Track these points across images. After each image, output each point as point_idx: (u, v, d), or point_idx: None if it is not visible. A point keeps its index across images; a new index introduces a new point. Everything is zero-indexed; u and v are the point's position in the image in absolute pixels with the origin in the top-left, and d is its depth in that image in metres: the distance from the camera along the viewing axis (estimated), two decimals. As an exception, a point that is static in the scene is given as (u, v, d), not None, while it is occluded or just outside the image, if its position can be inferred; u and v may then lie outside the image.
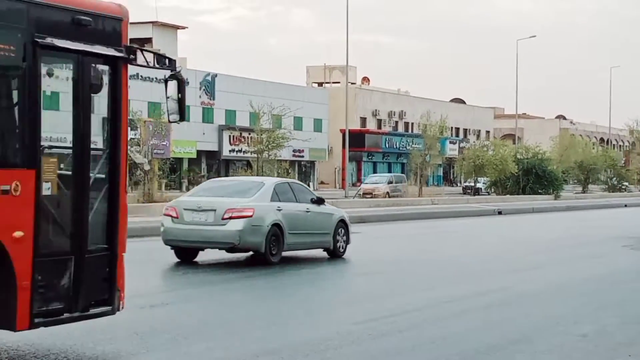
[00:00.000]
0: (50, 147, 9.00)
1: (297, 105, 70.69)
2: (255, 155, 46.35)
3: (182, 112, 10.75)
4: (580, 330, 11.32)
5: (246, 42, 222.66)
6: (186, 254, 18.49)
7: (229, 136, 76.95)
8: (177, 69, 10.85)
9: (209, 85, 76.11)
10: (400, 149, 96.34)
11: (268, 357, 9.58)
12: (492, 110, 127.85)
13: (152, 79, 71.59)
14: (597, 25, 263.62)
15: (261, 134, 46.30)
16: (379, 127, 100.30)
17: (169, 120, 10.80)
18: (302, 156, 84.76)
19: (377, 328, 11.27)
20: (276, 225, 18.13)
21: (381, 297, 14.24)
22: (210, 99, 76.40)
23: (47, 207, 8.74)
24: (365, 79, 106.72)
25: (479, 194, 69.06)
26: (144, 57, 10.02)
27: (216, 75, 76.57)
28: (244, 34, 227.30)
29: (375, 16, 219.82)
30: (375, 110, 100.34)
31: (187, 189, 72.10)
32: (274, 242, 18.08)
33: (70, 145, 9.11)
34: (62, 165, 9.15)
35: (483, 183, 72.04)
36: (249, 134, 61.59)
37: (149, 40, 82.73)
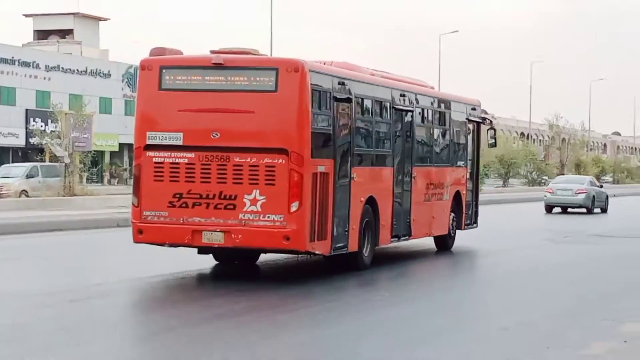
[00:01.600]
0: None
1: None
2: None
3: (496, 143, 24.61)
4: (502, 323, 11.46)
5: (169, 34, 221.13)
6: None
7: (152, 129, 76.27)
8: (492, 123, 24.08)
9: (131, 78, 75.39)
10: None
11: (191, 351, 9.52)
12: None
13: (74, 70, 70.84)
14: (518, 21, 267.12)
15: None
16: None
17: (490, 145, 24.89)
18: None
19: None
20: (594, 197, 40.32)
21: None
22: (133, 92, 75.69)
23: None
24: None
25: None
26: (487, 118, 23.43)
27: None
28: (167, 25, 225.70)
29: (302, 10, 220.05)
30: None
31: (109, 183, 71.49)
32: (593, 204, 40.18)
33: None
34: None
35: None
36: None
37: (70, 32, 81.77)
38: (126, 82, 75.32)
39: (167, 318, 11.45)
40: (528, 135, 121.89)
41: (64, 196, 35.68)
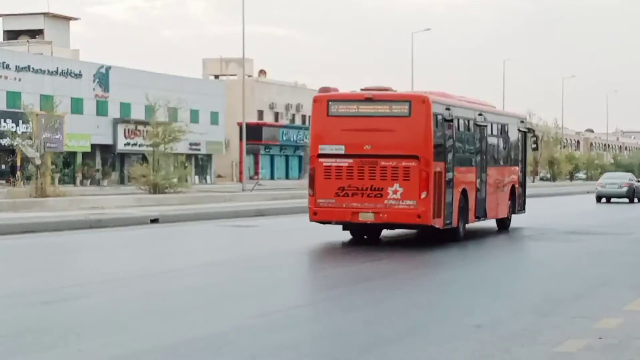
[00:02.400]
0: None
1: (193, 98, 70.34)
2: (151, 148, 45.94)
3: (537, 148, 33.44)
4: (475, 321, 11.45)
5: (141, 34, 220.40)
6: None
7: (124, 129, 76.04)
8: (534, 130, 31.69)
9: (102, 78, 75.06)
10: (298, 141, 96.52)
11: (163, 352, 9.47)
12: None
13: (44, 71, 70.35)
14: (490, 19, 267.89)
15: (157, 127, 45.90)
16: (276, 120, 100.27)
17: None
18: (199, 149, 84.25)
19: (274, 322, 11.23)
20: (634, 190, 49.88)
21: (279, 289, 14.22)
22: (104, 92, 75.37)
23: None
24: (262, 72, 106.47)
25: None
26: (531, 128, 31.09)
27: (110, 68, 75.55)
28: (139, 26, 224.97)
29: (272, 8, 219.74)
30: (273, 103, 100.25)
31: (82, 184, 71.15)
32: (633, 195, 50.06)
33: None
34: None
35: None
36: (145, 127, 60.99)
37: (40, 32, 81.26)
38: (97, 82, 74.91)
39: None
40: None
41: (36, 197, 35.43)
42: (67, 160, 71.36)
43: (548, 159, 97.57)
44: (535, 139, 31.65)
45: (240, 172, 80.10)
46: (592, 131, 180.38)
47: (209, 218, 31.46)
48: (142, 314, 11.90)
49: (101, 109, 75.25)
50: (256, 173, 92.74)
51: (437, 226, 21.54)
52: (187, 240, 25.11)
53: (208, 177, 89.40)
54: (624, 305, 12.84)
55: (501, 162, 27.60)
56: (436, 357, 9.48)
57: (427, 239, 22.68)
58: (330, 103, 22.04)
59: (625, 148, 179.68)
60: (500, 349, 9.88)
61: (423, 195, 20.96)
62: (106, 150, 76.68)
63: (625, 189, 49.24)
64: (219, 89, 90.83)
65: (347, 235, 22.90)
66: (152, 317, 11.58)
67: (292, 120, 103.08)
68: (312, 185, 21.84)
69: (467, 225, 23.91)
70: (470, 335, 10.63)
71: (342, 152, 21.64)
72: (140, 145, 66.54)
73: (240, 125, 75.98)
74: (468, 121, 24.42)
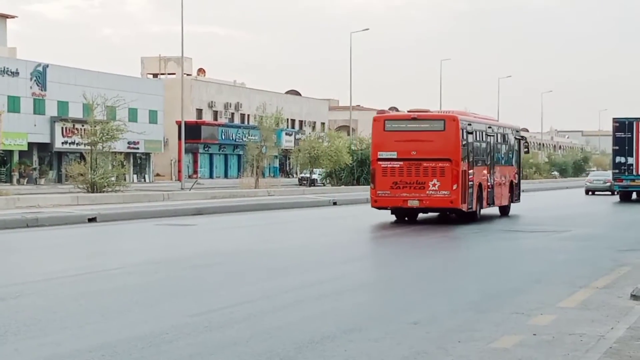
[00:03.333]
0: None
1: (132, 97, 69.88)
2: (89, 147, 45.57)
3: (529, 151, 44.99)
4: (412, 318, 11.57)
5: (80, 32, 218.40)
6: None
7: (62, 128, 75.34)
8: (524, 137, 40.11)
9: (40, 76, 74.29)
10: (237, 140, 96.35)
11: (102, 351, 9.45)
12: (327, 102, 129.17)
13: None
14: (428, 19, 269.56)
15: (95, 126, 45.54)
16: (215, 118, 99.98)
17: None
18: (138, 148, 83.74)
19: (213, 320, 11.26)
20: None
21: (218, 288, 14.24)
22: (41, 90, 74.60)
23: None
24: (201, 71, 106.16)
25: (314, 185, 69.66)
26: (524, 137, 40.16)
27: (47, 66, 74.80)
28: (78, 24, 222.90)
29: (211, 8, 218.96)
30: (211, 101, 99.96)
31: (18, 182, 70.35)
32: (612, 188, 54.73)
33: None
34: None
35: (318, 174, 72.66)
36: (83, 125, 60.46)
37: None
38: (35, 80, 74.15)
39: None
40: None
41: (-29, 196, 34.97)
42: (4, 159, 70.69)
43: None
44: (526, 144, 40.53)
45: (179, 171, 79.79)
46: (527, 130, 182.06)
47: (147, 217, 31.32)
48: (81, 313, 11.85)
49: (38, 107, 74.48)
50: (195, 172, 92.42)
51: (463, 209, 29.80)
52: (125, 239, 24.98)
53: (147, 176, 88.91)
54: (558, 302, 13.07)
55: (503, 163, 35.71)
56: (374, 354, 9.58)
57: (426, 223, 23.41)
58: (386, 122, 30.61)
59: (560, 147, 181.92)
60: (436, 345, 10.01)
61: (454, 187, 29.21)
62: (43, 148, 75.92)
63: (608, 184, 58.18)
64: (157, 87, 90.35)
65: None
66: (90, 316, 11.54)
67: (231, 119, 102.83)
68: (373, 180, 30.32)
69: (484, 210, 32.45)
70: (408, 332, 10.75)
71: (395, 156, 29.82)
72: (78, 144, 65.96)
73: (179, 124, 75.68)
74: (481, 132, 32.75)
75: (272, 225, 30.11)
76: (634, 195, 51.32)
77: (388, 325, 11.12)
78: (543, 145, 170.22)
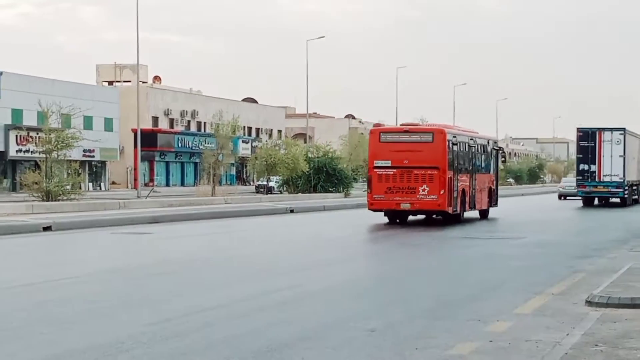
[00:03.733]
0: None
1: (87, 105, 69.35)
2: (44, 155, 45.21)
3: (505, 161, 54.69)
4: (369, 325, 11.59)
5: (34, 40, 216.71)
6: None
7: (16, 136, 74.66)
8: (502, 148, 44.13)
9: (-4, 84, 73.54)
10: (193, 148, 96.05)
11: (57, 362, 9.37)
12: (283, 110, 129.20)
13: None
14: (383, 27, 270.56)
15: (50, 134, 45.20)
16: (171, 126, 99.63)
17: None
18: (93, 156, 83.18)
19: (170, 329, 11.20)
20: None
21: (174, 297, 14.17)
22: (-3, 98, 73.85)
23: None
24: (157, 78, 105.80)
25: (271, 193, 69.58)
26: (501, 147, 43.68)
27: (1, 73, 74.12)
28: (31, 31, 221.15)
29: (166, 15, 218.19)
30: (168, 109, 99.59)
31: (-28, 191, 69.58)
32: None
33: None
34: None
35: (275, 182, 72.59)
36: (37, 133, 59.98)
37: None
38: (-8, 87, 73.35)
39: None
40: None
41: None
42: (-44, 168, 69.90)
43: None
44: (503, 154, 44.43)
45: (135, 179, 79.34)
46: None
47: (103, 225, 31.12)
48: (35, 323, 11.73)
49: (-4, 114, 73.75)
50: (151, 180, 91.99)
51: (449, 212, 33.54)
52: (81, 248, 24.79)
53: (102, 184, 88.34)
54: (514, 309, 13.14)
55: (483, 171, 39.25)
56: (331, 362, 9.58)
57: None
58: (381, 134, 34.42)
59: (515, 154, 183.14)
60: (394, 352, 10.03)
61: (441, 192, 32.81)
62: (-3, 157, 75.17)
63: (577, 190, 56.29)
64: (112, 95, 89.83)
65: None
66: (44, 327, 11.43)
67: (188, 126, 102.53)
68: (370, 186, 33.83)
69: (466, 213, 35.85)
70: (365, 339, 10.76)
71: (389, 165, 33.33)
72: (32, 152, 65.37)
73: (135, 131, 75.34)
74: (465, 144, 36.29)
75: (228, 234, 30.03)
76: (596, 201, 53.95)
77: (345, 333, 11.11)
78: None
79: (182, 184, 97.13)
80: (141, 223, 32.63)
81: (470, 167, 36.76)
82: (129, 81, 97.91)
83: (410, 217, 35.14)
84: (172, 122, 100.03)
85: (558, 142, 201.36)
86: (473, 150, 37.49)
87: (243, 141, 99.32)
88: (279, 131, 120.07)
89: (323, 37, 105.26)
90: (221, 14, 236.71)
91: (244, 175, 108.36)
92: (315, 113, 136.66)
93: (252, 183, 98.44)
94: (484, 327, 11.58)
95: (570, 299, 14.16)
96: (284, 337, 10.83)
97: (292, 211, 43.92)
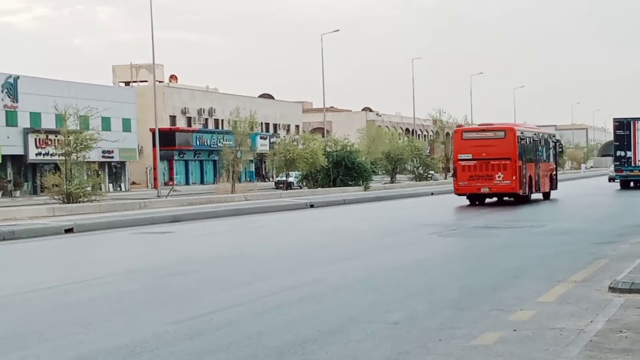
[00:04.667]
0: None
1: (104, 106, 69.70)
2: (63, 157, 45.41)
3: (563, 152, 73.56)
4: (392, 318, 11.60)
5: (50, 43, 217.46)
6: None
7: (35, 139, 75.00)
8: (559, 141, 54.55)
9: (11, 88, 73.91)
10: (212, 146, 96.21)
11: (83, 363, 9.43)
12: (300, 105, 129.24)
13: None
14: (399, 18, 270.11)
15: (68, 136, 45.39)
16: (189, 125, 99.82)
17: None
18: (112, 157, 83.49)
19: (193, 327, 11.24)
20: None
21: (197, 295, 14.22)
22: (13, 102, 74.22)
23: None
24: (173, 77, 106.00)
25: (291, 188, 69.70)
26: (559, 140, 54.19)
27: (18, 77, 74.44)
28: (48, 34, 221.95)
29: (181, 14, 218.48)
30: (185, 108, 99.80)
31: (-7, 195, 69.95)
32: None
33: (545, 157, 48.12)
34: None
35: (295, 177, 72.69)
36: (56, 136, 60.24)
37: (-55, 43, 79.67)
38: (6, 92, 73.77)
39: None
40: (413, 131, 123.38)
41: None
42: (-23, 172, 70.26)
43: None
44: (561, 146, 53.32)
45: (155, 179, 79.55)
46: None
47: (125, 226, 31.24)
48: (60, 325, 11.80)
49: (11, 119, 74.10)
50: (171, 179, 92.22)
51: (520, 194, 41.19)
52: (103, 249, 24.90)
53: (122, 185, 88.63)
54: (537, 297, 13.12)
55: (544, 160, 46.71)
56: (356, 355, 9.59)
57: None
58: (463, 133, 42.70)
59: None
60: (417, 344, 10.04)
61: (514, 178, 40.54)
62: (17, 160, 75.55)
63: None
64: (129, 95, 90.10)
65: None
66: (70, 328, 11.49)
67: (205, 124, 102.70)
68: (455, 175, 41.97)
69: (533, 195, 43.93)
70: (388, 332, 10.77)
71: (470, 157, 41.10)
72: (52, 155, 65.63)
73: (152, 131, 75.49)
74: (530, 138, 44.25)
75: (249, 230, 30.08)
76: (632, 184, 59.99)
77: (369, 326, 11.13)
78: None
79: (202, 182, 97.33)
80: (162, 222, 32.74)
81: (535, 157, 44.46)
82: (146, 81, 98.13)
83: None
84: (189, 121, 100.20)
85: (577, 129, 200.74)
86: (537, 143, 45.24)
87: (261, 137, 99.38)
88: (297, 126, 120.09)
89: (337, 30, 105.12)
90: (235, 11, 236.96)
91: (263, 172, 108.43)
92: (333, 107, 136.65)
93: (271, 179, 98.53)
94: (508, 317, 11.58)
95: (594, 285, 14.13)
96: (308, 332, 10.86)
97: (312, 206, 43.96)
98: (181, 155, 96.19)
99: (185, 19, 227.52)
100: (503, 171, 40.29)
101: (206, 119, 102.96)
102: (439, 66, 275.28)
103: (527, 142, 43.32)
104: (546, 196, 46.15)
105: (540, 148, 45.78)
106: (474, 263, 18.45)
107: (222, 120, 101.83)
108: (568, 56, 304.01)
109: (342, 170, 66.41)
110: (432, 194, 58.44)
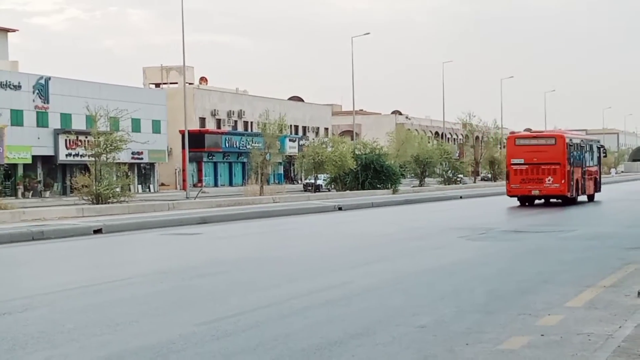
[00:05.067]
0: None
1: (134, 107, 69.99)
2: (93, 158, 45.64)
3: (606, 156, 67.07)
4: (419, 322, 11.57)
5: (81, 44, 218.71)
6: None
7: (65, 140, 75.47)
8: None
9: (42, 89, 74.43)
10: (241, 148, 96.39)
11: (110, 363, 9.46)
12: (329, 108, 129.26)
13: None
14: (429, 22, 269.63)
15: (98, 137, 45.62)
16: (219, 126, 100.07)
17: None
18: (142, 158, 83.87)
19: (220, 328, 11.26)
20: None
21: (225, 296, 14.24)
22: (44, 103, 74.73)
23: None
24: (203, 79, 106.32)
25: (319, 191, 69.69)
26: (602, 145, 56.08)
27: (49, 79, 74.93)
28: (79, 36, 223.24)
29: (212, 16, 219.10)
30: (214, 110, 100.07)
31: (23, 196, 70.49)
32: None
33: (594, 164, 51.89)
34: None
35: (323, 180, 72.69)
36: (86, 137, 60.58)
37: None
38: (37, 93, 74.31)
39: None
40: (442, 134, 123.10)
41: (-23, 211, 35.02)
42: (8, 173, 70.78)
43: (488, 159, 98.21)
44: (604, 151, 55.12)
45: (184, 180, 79.84)
46: (530, 130, 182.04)
47: (153, 227, 31.35)
48: (87, 325, 11.84)
49: (41, 120, 74.60)
50: (199, 180, 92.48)
51: (568, 196, 44.52)
52: (131, 249, 24.99)
53: (151, 186, 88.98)
54: (565, 302, 13.06)
55: (590, 165, 49.61)
56: (382, 359, 9.57)
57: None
58: (516, 139, 46.15)
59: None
60: (444, 348, 10.01)
61: (562, 181, 43.94)
62: (47, 161, 76.02)
63: None
64: (160, 97, 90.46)
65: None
66: (97, 328, 11.54)
67: (235, 126, 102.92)
68: (507, 178, 45.41)
69: (580, 197, 46.97)
70: (415, 335, 10.75)
71: (522, 162, 44.53)
72: (81, 156, 66.03)
73: (182, 133, 75.77)
74: (577, 144, 47.49)
75: (277, 232, 30.11)
76: None
77: (396, 329, 11.11)
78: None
79: (230, 184, 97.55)
80: (190, 224, 32.83)
81: (582, 162, 47.72)
82: (176, 83, 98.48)
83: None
84: (219, 123, 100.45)
85: (608, 133, 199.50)
86: (583, 149, 48.60)
87: (290, 140, 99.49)
88: (326, 129, 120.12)
89: (368, 33, 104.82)
90: (267, 13, 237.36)
91: (292, 174, 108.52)
92: (362, 110, 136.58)
93: (300, 181, 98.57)
94: (535, 321, 11.52)
95: (622, 291, 14.04)
96: (335, 334, 10.85)
97: (340, 209, 43.95)
98: (210, 157, 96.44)
99: (216, 21, 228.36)
100: (553, 175, 43.81)
101: (235, 121, 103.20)
102: (470, 70, 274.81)
103: (575, 148, 46.60)
104: (590, 198, 49.24)
105: (586, 153, 48.97)
106: (501, 267, 18.36)
107: (252, 122, 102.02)
108: (600, 60, 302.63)
109: (371, 173, 66.33)
110: (460, 197, 58.26)
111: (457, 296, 14.02)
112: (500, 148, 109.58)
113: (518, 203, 45.22)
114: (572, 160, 45.16)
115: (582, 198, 48.03)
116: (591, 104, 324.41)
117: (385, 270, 17.83)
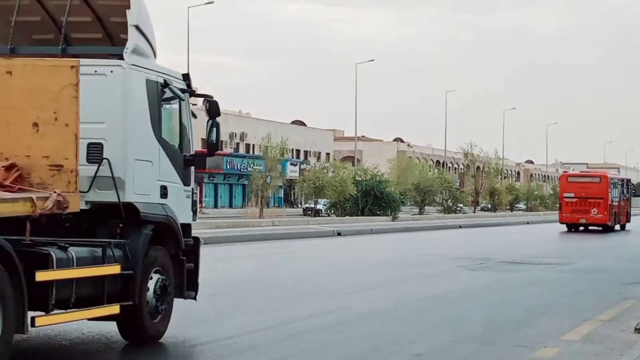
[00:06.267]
0: None
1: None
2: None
3: (635, 193, 71.17)
4: (416, 349, 11.58)
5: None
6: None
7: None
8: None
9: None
10: (242, 170, 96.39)
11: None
12: (332, 133, 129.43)
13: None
14: (434, 50, 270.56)
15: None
16: (220, 148, 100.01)
17: None
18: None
19: (216, 350, 11.27)
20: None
21: (221, 318, 14.25)
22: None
23: None
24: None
25: (319, 216, 69.67)
26: (630, 181, 69.46)
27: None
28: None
29: (217, 37, 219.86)
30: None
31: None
32: None
33: None
34: None
35: (323, 204, 72.65)
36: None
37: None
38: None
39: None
40: (444, 163, 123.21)
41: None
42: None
43: (489, 189, 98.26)
44: (634, 188, 65.17)
45: (184, 201, 79.69)
46: (532, 162, 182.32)
47: (152, 246, 31.23)
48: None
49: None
50: (199, 201, 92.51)
51: (609, 224, 53.43)
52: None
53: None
54: (562, 335, 13.06)
55: (623, 199, 58.73)
56: (377, 385, 9.59)
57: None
58: (568, 177, 57.75)
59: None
60: (440, 377, 10.02)
61: (605, 212, 53.13)
62: None
63: None
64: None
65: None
66: (94, 345, 11.45)
67: (237, 148, 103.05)
68: (560, 208, 55.26)
69: (614, 226, 55.39)
70: (411, 363, 10.76)
71: (573, 196, 53.77)
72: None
73: (184, 153, 75.65)
74: (616, 183, 57.14)
75: (276, 256, 30.10)
76: None
77: (391, 357, 11.12)
78: (548, 177, 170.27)
79: (231, 206, 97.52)
80: (189, 244, 32.72)
81: (618, 197, 56.85)
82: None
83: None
84: (221, 144, 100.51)
85: (609, 167, 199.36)
86: (619, 186, 58.28)
87: (291, 163, 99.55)
88: (327, 154, 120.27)
89: (372, 60, 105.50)
90: (271, 37, 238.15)
91: (292, 198, 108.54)
92: (364, 136, 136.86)
93: (299, 205, 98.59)
94: (532, 353, 11.53)
95: (619, 325, 14.05)
96: (331, 359, 10.85)
97: (339, 234, 43.93)
98: (211, 178, 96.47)
99: (221, 43, 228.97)
100: (597, 207, 53.35)
101: (237, 143, 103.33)
102: (473, 99, 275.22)
103: (615, 186, 56.60)
104: (622, 227, 58.34)
105: (621, 190, 58.67)
106: (499, 298, 18.37)
107: (254, 144, 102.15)
108: (602, 94, 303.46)
109: (371, 200, 66.27)
110: (460, 226, 58.29)
111: (454, 325, 14.03)
112: (501, 179, 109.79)
113: (519, 233, 50.75)
114: (611, 195, 54.67)
115: (616, 227, 57.24)
116: (593, 138, 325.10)
117: (382, 297, 17.83)
